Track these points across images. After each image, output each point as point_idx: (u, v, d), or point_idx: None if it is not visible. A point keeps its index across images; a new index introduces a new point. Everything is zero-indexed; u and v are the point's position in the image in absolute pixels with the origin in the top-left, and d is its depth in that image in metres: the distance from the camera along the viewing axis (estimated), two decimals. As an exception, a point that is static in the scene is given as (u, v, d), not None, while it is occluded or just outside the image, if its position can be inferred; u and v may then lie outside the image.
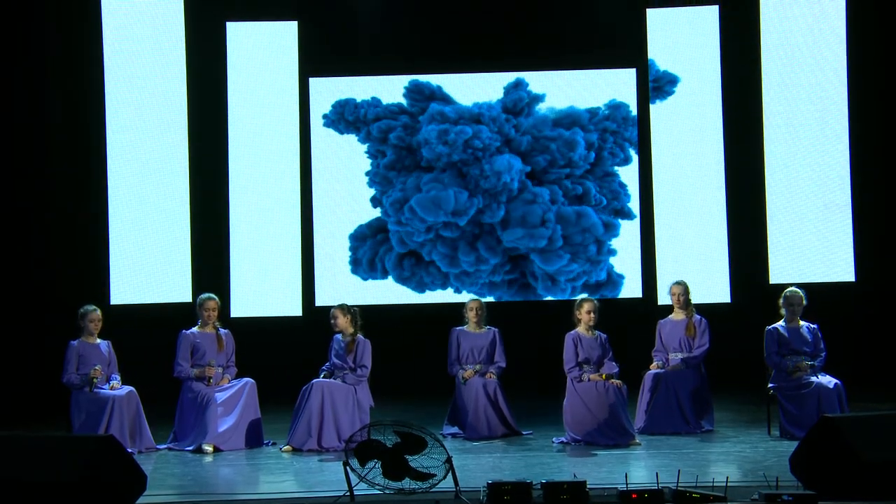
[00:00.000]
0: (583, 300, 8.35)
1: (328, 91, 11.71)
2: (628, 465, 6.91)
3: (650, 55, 11.58)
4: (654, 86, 11.56)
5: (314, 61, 11.67)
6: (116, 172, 11.42)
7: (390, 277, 11.55)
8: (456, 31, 11.59)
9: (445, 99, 11.61)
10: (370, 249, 11.56)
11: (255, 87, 11.66)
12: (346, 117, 11.59)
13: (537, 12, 11.63)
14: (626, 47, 11.61)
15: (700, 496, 5.45)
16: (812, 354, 8.16)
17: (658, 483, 5.71)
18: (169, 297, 11.25)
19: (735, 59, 11.49)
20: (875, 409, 8.85)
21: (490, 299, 11.21)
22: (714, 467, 6.85)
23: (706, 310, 8.99)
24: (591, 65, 11.64)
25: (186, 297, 11.03)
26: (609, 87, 11.63)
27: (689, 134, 11.53)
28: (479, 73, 11.64)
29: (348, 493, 5.73)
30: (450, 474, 5.67)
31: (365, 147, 11.65)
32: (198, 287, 10.66)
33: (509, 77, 11.62)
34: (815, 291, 8.73)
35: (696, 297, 8.85)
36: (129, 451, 7.15)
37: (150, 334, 10.39)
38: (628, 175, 11.56)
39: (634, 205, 11.55)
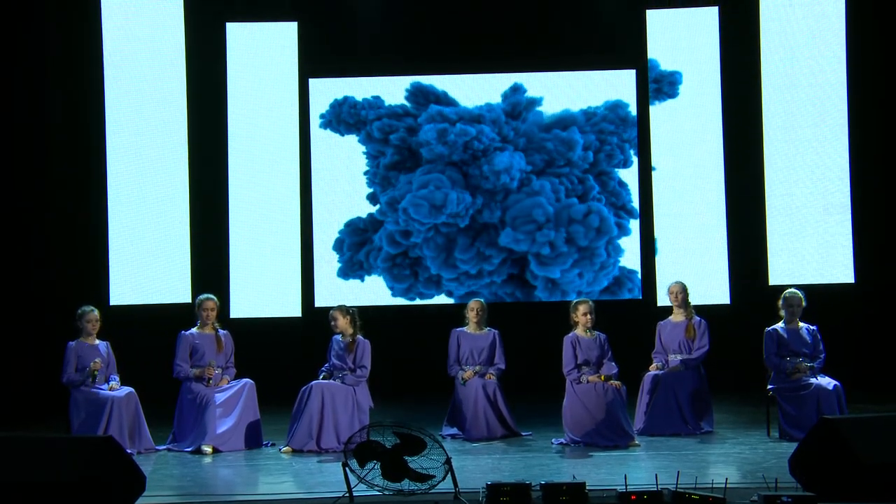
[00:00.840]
0: (578, 302, 8.34)
1: (328, 92, 11.70)
2: (627, 467, 6.90)
3: (650, 56, 11.57)
4: (655, 87, 11.56)
5: (314, 62, 11.67)
6: (116, 173, 11.42)
7: (385, 278, 11.54)
8: (456, 32, 11.59)
9: (447, 101, 11.61)
10: (366, 249, 11.56)
11: (255, 88, 11.66)
12: (343, 118, 11.59)
13: (537, 13, 11.63)
14: (626, 48, 11.61)
15: (699, 497, 5.45)
16: (811, 356, 8.16)
17: (657, 484, 5.72)
18: (168, 298, 11.24)
19: (735, 61, 11.49)
20: (874, 410, 8.86)
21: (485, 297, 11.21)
22: (713, 469, 6.85)
23: (705, 311, 8.99)
24: (590, 66, 11.64)
25: (186, 297, 11.03)
26: (609, 88, 11.63)
27: (688, 135, 11.53)
28: (479, 74, 11.64)
29: (347, 495, 5.73)
30: (449, 475, 5.67)
31: (365, 148, 11.65)
32: (197, 288, 10.66)
33: (509, 78, 11.62)
34: (815, 293, 8.74)
35: (696, 299, 8.85)
36: (129, 451, 7.15)
37: (149, 335, 10.38)
38: (628, 176, 11.56)
39: (634, 205, 11.54)
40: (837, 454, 5.43)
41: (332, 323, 8.31)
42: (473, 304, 8.76)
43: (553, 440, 8.07)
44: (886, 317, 11.16)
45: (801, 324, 8.27)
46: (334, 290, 11.41)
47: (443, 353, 8.70)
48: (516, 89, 11.59)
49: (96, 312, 8.21)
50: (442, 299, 11.48)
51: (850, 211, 11.24)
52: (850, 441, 5.39)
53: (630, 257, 11.51)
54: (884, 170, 11.34)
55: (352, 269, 11.57)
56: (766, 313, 8.60)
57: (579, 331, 8.23)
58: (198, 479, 6.99)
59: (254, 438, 8.16)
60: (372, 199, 11.64)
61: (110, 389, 8.02)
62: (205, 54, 11.56)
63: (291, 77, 11.68)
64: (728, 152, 11.44)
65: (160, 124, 11.51)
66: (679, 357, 8.57)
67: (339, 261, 11.58)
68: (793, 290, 8.39)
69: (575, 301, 8.41)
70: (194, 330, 8.37)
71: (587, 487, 5.62)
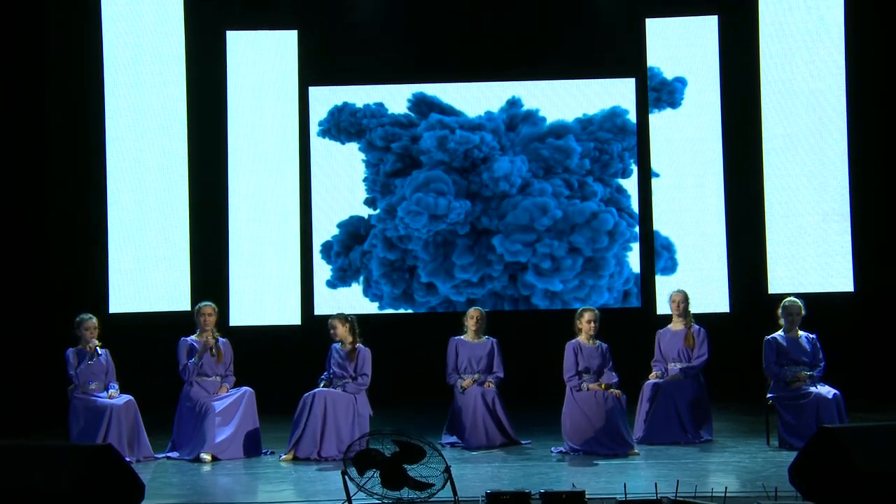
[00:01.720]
0: (583, 310, 8.35)
1: (328, 100, 11.72)
2: (627, 475, 6.90)
3: (650, 64, 11.58)
4: (654, 95, 11.58)
5: (314, 70, 11.68)
6: (116, 181, 11.43)
7: (384, 285, 11.55)
8: (456, 41, 11.61)
9: (448, 111, 11.63)
10: (364, 256, 11.57)
11: (255, 96, 11.67)
12: (343, 126, 11.61)
13: (537, 23, 11.65)
14: (626, 57, 11.63)
15: (699, 506, 5.45)
16: (811, 364, 8.15)
17: (657, 493, 5.71)
18: (168, 306, 11.23)
19: (734, 69, 11.51)
20: (874, 419, 8.84)
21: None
22: (713, 477, 6.84)
23: (705, 319, 8.99)
24: (590, 74, 11.66)
25: (185, 305, 11.02)
26: (608, 96, 11.65)
27: (688, 143, 11.54)
28: (479, 83, 11.66)
29: (347, 503, 5.72)
30: (448, 484, 5.66)
31: (365, 156, 11.66)
32: (197, 295, 10.65)
33: (510, 87, 11.64)
34: (814, 301, 8.72)
35: (695, 307, 8.85)
36: (128, 459, 7.15)
37: (148, 343, 10.38)
38: (627, 184, 11.56)
39: (633, 213, 11.55)
40: (837, 463, 5.42)
41: (332, 331, 8.30)
42: (472, 313, 8.75)
43: (552, 448, 8.06)
44: (886, 325, 11.15)
45: (800, 332, 8.26)
46: (333, 299, 11.40)
47: (442, 362, 8.69)
48: (514, 103, 11.61)
49: (94, 320, 8.20)
50: (447, 303, 11.46)
51: (849, 219, 11.24)
52: (850, 450, 5.38)
53: (630, 264, 11.51)
54: (883, 178, 11.35)
55: (350, 274, 11.56)
56: (765, 322, 8.60)
57: (582, 338, 8.23)
58: (197, 487, 6.98)
59: (253, 447, 8.15)
60: (371, 204, 11.65)
61: (109, 397, 8.01)
62: (205, 63, 11.57)
63: (291, 85, 11.69)
64: (727, 160, 11.45)
65: (160, 132, 11.53)
66: (678, 365, 8.57)
67: (333, 269, 11.57)
68: (792, 298, 8.39)
69: (580, 308, 8.41)
70: (194, 337, 8.37)
71: (587, 496, 5.61)
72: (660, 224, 11.48)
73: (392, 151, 11.63)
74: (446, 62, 11.68)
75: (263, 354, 10.65)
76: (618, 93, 11.65)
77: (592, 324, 8.21)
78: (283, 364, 10.79)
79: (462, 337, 8.71)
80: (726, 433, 8.67)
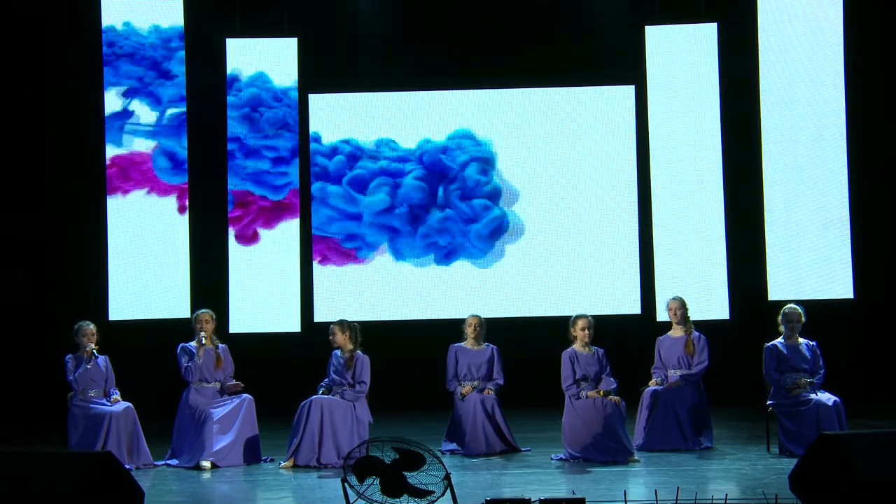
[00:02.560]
0: (577, 317, 8.32)
1: (327, 107, 11.73)
2: (627, 482, 6.89)
3: (649, 72, 11.59)
4: (653, 101, 11.58)
5: (314, 77, 11.69)
6: (115, 186, 11.44)
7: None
8: (455, 49, 11.61)
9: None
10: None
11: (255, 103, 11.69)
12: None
13: (537, 30, 11.66)
14: (625, 64, 11.64)
15: (699, 513, 5.44)
16: (811, 371, 8.15)
17: (657, 500, 5.71)
18: (167, 313, 11.22)
19: (733, 77, 11.50)
20: (874, 426, 8.83)
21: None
22: (713, 484, 6.84)
23: (705, 326, 8.99)
24: (589, 82, 11.66)
25: (185, 312, 11.01)
26: (607, 104, 11.66)
27: (687, 150, 11.54)
28: (478, 90, 11.69)
29: (346, 510, 5.71)
30: (448, 491, 5.65)
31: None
32: (196, 303, 10.64)
33: (511, 94, 11.66)
34: (814, 308, 8.73)
35: (695, 314, 8.85)
36: (127, 467, 7.13)
37: (148, 350, 10.37)
38: (627, 190, 11.56)
39: (633, 220, 11.55)
40: (837, 470, 5.41)
41: (331, 338, 8.31)
42: (471, 320, 8.75)
43: (552, 455, 8.06)
44: (886, 332, 11.15)
45: (800, 339, 8.26)
46: (334, 306, 11.38)
47: (442, 369, 8.69)
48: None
49: (93, 327, 8.20)
50: (447, 308, 11.45)
51: (849, 226, 11.24)
52: (850, 457, 5.37)
53: (628, 273, 11.50)
54: (883, 185, 11.35)
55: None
56: (765, 329, 8.59)
57: (578, 346, 8.22)
58: (196, 494, 6.98)
59: (253, 454, 8.14)
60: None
61: (113, 402, 8.03)
62: (205, 70, 11.58)
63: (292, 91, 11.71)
64: (727, 166, 11.45)
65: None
66: (678, 372, 8.56)
67: (338, 274, 11.57)
68: (792, 305, 8.39)
69: (574, 316, 8.37)
70: (193, 343, 8.36)
71: (586, 503, 5.61)
72: (659, 231, 11.46)
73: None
74: (445, 69, 11.69)
75: (263, 361, 10.64)
76: (616, 100, 11.65)
77: (587, 331, 8.20)
78: (282, 371, 10.78)
79: (462, 344, 8.71)
80: (726, 440, 8.66)
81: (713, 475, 7.23)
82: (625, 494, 5.78)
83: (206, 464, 7.87)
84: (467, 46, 11.61)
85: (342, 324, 8.33)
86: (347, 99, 11.76)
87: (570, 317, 8.40)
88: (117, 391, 8.16)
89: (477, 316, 8.84)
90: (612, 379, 8.14)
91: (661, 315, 10.72)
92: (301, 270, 11.54)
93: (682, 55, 11.59)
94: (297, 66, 11.66)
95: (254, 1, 11.60)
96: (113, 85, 11.49)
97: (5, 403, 10.38)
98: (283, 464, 7.94)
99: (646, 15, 11.59)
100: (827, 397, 7.98)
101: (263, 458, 8.20)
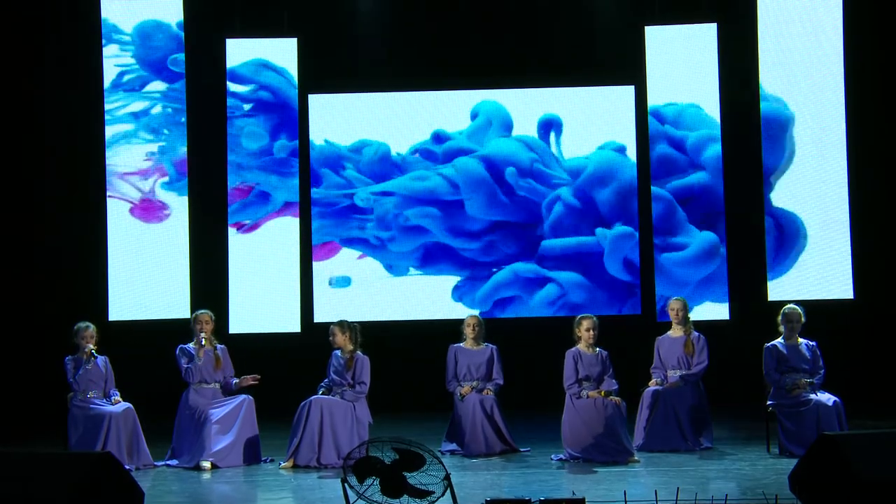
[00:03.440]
0: (582, 317, 8.33)
1: (328, 107, 11.73)
2: (627, 483, 6.89)
3: (649, 72, 11.58)
4: (652, 102, 11.58)
5: (313, 77, 11.69)
6: (115, 188, 11.44)
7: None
8: (455, 50, 11.61)
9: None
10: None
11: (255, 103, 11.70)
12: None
13: (536, 30, 11.67)
14: (625, 65, 11.63)
15: (699, 514, 5.44)
16: (811, 372, 8.15)
17: (657, 500, 5.71)
18: (167, 314, 11.22)
19: (733, 77, 11.50)
20: (874, 426, 8.83)
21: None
22: (713, 485, 6.84)
23: (705, 327, 8.99)
24: (589, 82, 11.66)
25: (185, 313, 11.00)
26: (607, 104, 11.65)
27: (687, 151, 11.53)
28: (478, 90, 11.68)
29: (346, 511, 5.71)
30: (448, 491, 5.65)
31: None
32: (196, 303, 10.63)
33: (511, 94, 11.66)
34: (814, 308, 8.73)
35: (695, 314, 8.85)
36: (127, 467, 7.13)
37: (148, 350, 10.36)
38: (627, 193, 11.57)
39: (632, 220, 11.55)
40: (837, 470, 5.41)
41: (331, 338, 8.31)
42: (470, 320, 8.74)
43: (552, 456, 8.06)
44: (886, 332, 11.14)
45: (800, 339, 8.26)
46: (334, 306, 11.37)
47: (441, 369, 8.69)
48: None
49: (92, 328, 8.20)
50: (448, 309, 11.44)
51: (848, 226, 11.24)
52: (850, 457, 5.38)
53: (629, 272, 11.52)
54: (883, 184, 11.35)
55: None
56: (765, 329, 8.59)
57: (582, 346, 8.22)
58: (196, 495, 6.98)
59: (253, 454, 8.14)
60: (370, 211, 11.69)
61: (114, 403, 8.03)
62: (205, 70, 11.58)
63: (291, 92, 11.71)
64: (727, 167, 11.44)
65: (160, 139, 11.57)
66: (678, 373, 8.56)
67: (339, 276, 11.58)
68: (792, 305, 8.39)
69: (579, 316, 8.38)
70: (191, 345, 8.36)
71: (586, 503, 5.60)
72: (659, 230, 11.45)
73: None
74: (444, 70, 11.68)
75: (263, 362, 10.61)
76: (616, 100, 11.65)
77: (591, 331, 8.20)
78: (282, 372, 10.76)
79: (461, 344, 8.71)
80: (726, 440, 8.67)
81: (713, 475, 7.23)
82: (625, 495, 5.78)
83: (206, 464, 7.87)
84: (467, 47, 11.61)
85: (342, 324, 8.33)
86: (347, 99, 11.76)
87: (571, 317, 8.41)
88: (117, 392, 8.16)
89: (475, 316, 8.85)
90: (613, 381, 8.14)
91: (661, 315, 10.74)
92: (301, 270, 11.54)
93: (682, 55, 11.58)
94: (297, 67, 11.66)
95: (254, 1, 11.61)
96: (113, 84, 11.50)
97: (5, 404, 10.38)
98: (282, 464, 7.94)
99: (646, 15, 11.58)
100: (827, 398, 7.98)
101: (263, 459, 8.20)
